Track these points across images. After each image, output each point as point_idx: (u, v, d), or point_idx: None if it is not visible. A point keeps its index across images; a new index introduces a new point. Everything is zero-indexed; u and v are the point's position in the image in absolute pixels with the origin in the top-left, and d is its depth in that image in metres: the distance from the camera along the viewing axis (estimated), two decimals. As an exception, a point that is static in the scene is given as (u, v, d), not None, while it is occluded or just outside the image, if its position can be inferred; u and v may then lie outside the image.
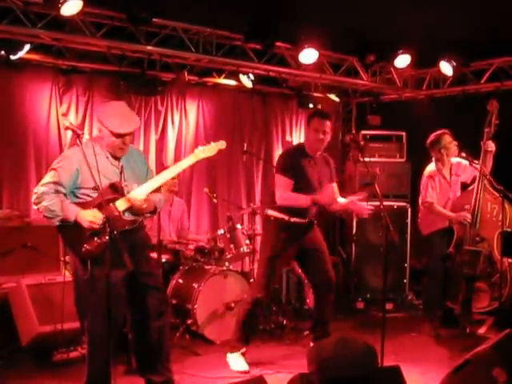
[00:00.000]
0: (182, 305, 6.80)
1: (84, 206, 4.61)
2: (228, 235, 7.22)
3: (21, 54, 6.64)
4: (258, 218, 7.75)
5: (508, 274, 6.77)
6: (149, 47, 6.95)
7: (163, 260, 6.96)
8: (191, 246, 7.59)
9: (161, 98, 8.40)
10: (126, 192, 4.76)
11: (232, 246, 7.20)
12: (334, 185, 6.18)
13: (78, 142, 4.44)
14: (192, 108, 8.78)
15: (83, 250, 4.50)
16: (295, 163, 5.89)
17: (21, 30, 6.23)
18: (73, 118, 7.65)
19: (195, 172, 8.54)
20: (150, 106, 8.22)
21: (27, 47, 6.64)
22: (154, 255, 6.52)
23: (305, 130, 6.13)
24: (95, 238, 4.49)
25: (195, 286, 6.68)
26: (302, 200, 5.77)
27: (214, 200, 7.72)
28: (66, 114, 7.67)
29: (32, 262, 6.18)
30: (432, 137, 7.12)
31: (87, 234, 4.53)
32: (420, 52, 7.91)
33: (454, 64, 7.88)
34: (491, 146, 6.86)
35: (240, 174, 9.10)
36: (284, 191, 5.83)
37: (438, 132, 7.09)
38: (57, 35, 6.57)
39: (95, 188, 4.38)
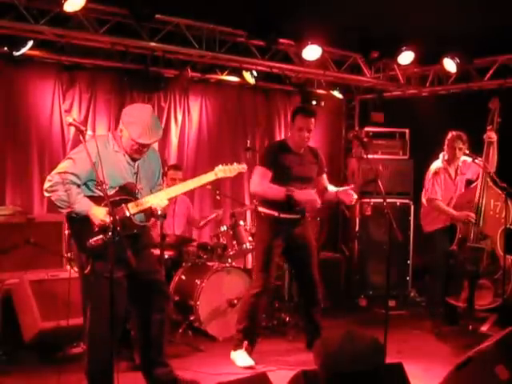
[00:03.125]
0: (184, 301, 6.81)
1: (96, 200, 4.60)
2: (231, 232, 7.22)
3: (24, 50, 6.63)
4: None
5: (511, 272, 6.76)
6: (152, 43, 6.94)
7: (166, 256, 6.96)
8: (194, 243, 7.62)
9: (164, 95, 8.41)
10: (139, 195, 4.77)
11: (235, 242, 7.19)
12: (324, 176, 6.19)
13: (81, 138, 4.43)
14: (195, 105, 8.78)
15: (87, 244, 4.50)
16: (277, 157, 5.89)
17: (24, 26, 6.22)
18: (76, 115, 7.64)
19: (198, 169, 8.51)
20: (152, 103, 8.18)
21: (30, 43, 6.64)
22: (157, 252, 6.53)
23: (290, 126, 6.10)
24: (101, 235, 4.48)
25: (198, 282, 6.69)
26: (277, 191, 5.75)
27: (217, 197, 7.72)
28: (68, 111, 7.67)
29: (35, 258, 6.17)
30: (450, 135, 7.09)
31: (94, 229, 4.54)
32: (423, 49, 7.90)
33: (458, 61, 7.87)
34: (493, 136, 6.86)
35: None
36: (261, 179, 5.82)
37: (455, 133, 7.06)
38: (60, 31, 6.55)
39: (100, 185, 4.36)
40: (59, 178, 4.55)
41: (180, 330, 6.62)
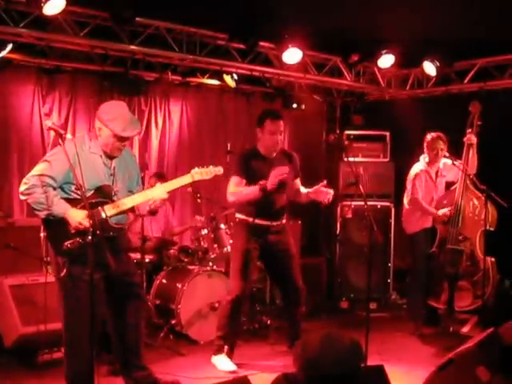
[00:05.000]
0: (165, 305, 6.79)
1: (72, 203, 4.57)
2: (212, 235, 7.22)
3: (3, 53, 6.57)
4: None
5: (490, 273, 6.80)
6: (132, 46, 6.91)
7: (147, 260, 6.94)
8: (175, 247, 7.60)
9: (144, 98, 8.37)
10: (115, 197, 4.75)
11: (216, 245, 7.19)
12: (298, 180, 6.15)
13: (60, 142, 4.40)
14: (176, 108, 8.76)
15: (63, 247, 4.47)
16: (248, 165, 5.84)
17: (3, 28, 6.16)
18: (56, 118, 7.60)
19: (179, 171, 8.49)
20: (133, 106, 8.15)
21: (10, 46, 6.58)
22: (137, 256, 6.50)
23: (258, 131, 5.96)
24: (77, 238, 4.46)
25: (179, 286, 6.67)
26: (251, 191, 5.70)
27: (198, 200, 7.71)
28: (48, 115, 7.61)
29: (15, 262, 6.13)
30: (429, 137, 7.11)
31: (71, 232, 4.51)
32: (404, 52, 7.94)
33: (438, 64, 7.91)
34: (473, 138, 6.90)
35: (224, 174, 9.05)
36: (235, 188, 5.78)
37: (435, 134, 7.09)
38: (40, 34, 6.50)
39: (79, 187, 4.33)
40: (36, 180, 4.53)
41: (161, 334, 6.59)
